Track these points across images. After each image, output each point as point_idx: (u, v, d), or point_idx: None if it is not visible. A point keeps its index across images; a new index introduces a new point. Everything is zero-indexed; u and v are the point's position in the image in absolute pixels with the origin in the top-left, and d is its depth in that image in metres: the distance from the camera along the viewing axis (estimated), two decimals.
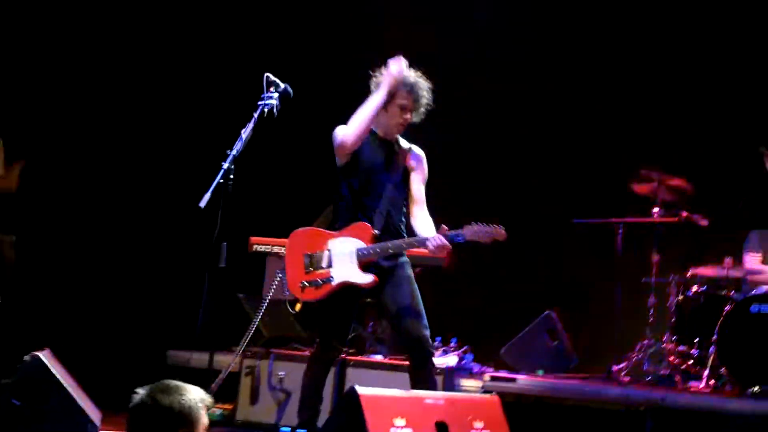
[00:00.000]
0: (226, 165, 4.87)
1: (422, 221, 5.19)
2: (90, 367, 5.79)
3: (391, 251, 5.08)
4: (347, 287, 5.10)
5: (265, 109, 5.05)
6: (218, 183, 4.83)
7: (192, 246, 6.49)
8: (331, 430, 4.64)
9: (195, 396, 2.93)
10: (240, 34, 8.40)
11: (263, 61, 5.57)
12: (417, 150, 5.39)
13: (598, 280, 7.63)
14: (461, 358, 7.12)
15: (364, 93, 5.31)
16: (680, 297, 7.25)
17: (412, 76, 5.21)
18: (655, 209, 7.30)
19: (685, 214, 7.16)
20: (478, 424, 4.76)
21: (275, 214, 8.01)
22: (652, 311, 7.26)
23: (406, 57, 5.27)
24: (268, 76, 5.12)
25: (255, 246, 6.75)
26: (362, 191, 5.21)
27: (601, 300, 7.56)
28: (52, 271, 7.20)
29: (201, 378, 5.82)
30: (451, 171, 6.32)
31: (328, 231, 5.23)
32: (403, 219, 5.28)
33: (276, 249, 6.78)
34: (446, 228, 4.97)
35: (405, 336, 5.11)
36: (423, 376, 5.10)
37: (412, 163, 5.32)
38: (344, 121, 5.31)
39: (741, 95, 8.02)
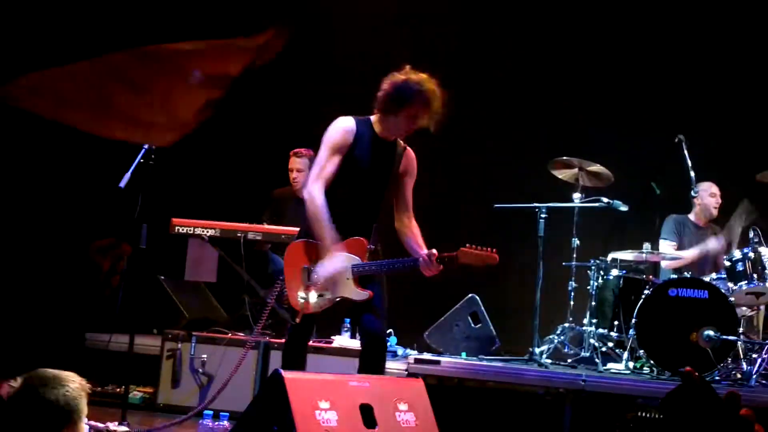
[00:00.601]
0: (146, 145, 4.80)
1: (412, 231, 5.06)
2: (6, 348, 5.66)
3: (384, 269, 4.98)
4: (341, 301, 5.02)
5: None
6: (139, 163, 4.76)
7: (112, 227, 6.37)
8: (255, 413, 4.60)
9: (77, 385, 2.70)
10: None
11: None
12: (411, 151, 5.15)
13: (520, 263, 7.70)
14: None
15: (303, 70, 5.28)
16: (600, 281, 7.37)
17: (432, 84, 4.94)
18: (576, 194, 7.39)
19: (605, 199, 7.25)
20: (403, 406, 4.77)
21: (195, 195, 7.94)
22: (572, 295, 7.36)
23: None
24: None
25: (177, 227, 6.65)
26: (357, 196, 4.99)
27: (522, 283, 7.63)
28: None
29: (121, 361, 5.77)
30: None
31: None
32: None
33: (198, 231, 6.68)
34: (436, 253, 4.88)
35: (366, 331, 5.02)
36: (377, 369, 5.04)
37: (405, 164, 5.11)
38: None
39: (663, 82, 8.16)
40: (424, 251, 4.92)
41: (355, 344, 6.69)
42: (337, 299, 5.00)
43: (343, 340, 6.90)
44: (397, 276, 7.80)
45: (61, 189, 7.56)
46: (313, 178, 4.89)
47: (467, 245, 4.89)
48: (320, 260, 4.90)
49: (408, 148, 5.14)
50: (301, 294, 4.97)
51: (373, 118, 5.02)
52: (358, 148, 4.96)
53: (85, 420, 2.62)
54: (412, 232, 5.05)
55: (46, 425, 2.52)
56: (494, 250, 4.93)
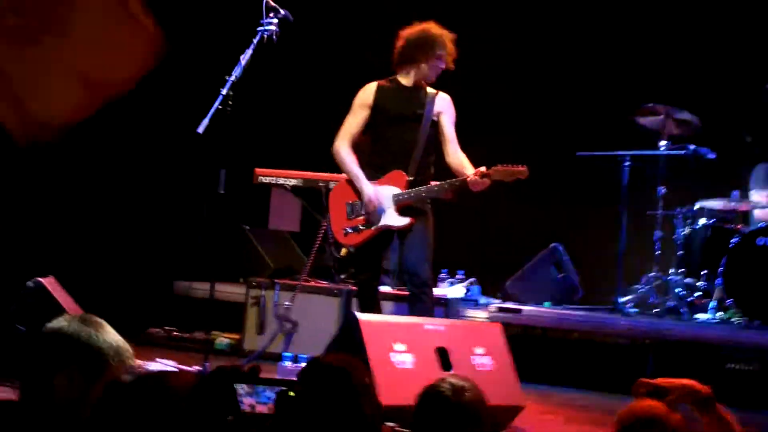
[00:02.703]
0: (224, 91, 4.86)
1: (458, 159, 5.50)
2: (97, 295, 5.82)
3: (424, 195, 5.43)
4: (383, 231, 5.43)
5: (265, 35, 5.03)
6: (217, 109, 4.83)
7: (191, 173, 6.48)
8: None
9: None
10: None
11: None
12: (443, 95, 5.65)
13: (604, 212, 7.60)
14: (467, 290, 7.15)
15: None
16: (687, 230, 7.22)
17: (443, 30, 5.55)
18: (662, 142, 7.25)
19: (692, 147, 7.10)
20: (479, 350, 4.80)
21: (280, 145, 8.00)
22: (658, 244, 7.24)
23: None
24: (267, 2, 5.09)
25: (260, 177, 6.75)
26: (393, 140, 5.53)
27: (606, 232, 7.53)
28: (56, 200, 7.19)
29: (203, 309, 5.90)
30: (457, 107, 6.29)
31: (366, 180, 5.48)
32: (432, 162, 5.59)
33: (281, 180, 6.77)
34: (482, 170, 5.31)
35: (405, 270, 5.44)
36: (419, 308, 5.19)
37: (440, 106, 5.59)
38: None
39: (749, 29, 7.91)
40: (471, 170, 5.34)
41: (441, 292, 6.73)
42: (380, 228, 5.38)
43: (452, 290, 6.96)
44: (480, 225, 7.87)
45: (142, 136, 7.69)
46: (337, 137, 5.60)
47: (498, 164, 5.34)
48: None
49: (440, 92, 5.64)
50: (346, 228, 5.42)
51: (398, 75, 5.62)
52: (382, 99, 5.58)
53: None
54: (458, 160, 5.49)
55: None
56: (524, 165, 5.37)
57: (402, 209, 5.37)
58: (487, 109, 8.04)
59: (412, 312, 5.28)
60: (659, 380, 2.62)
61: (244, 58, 4.97)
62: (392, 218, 5.36)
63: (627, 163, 7.15)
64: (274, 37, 5.05)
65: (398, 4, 8.05)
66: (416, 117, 5.52)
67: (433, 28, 5.54)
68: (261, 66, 5.17)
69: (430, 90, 5.63)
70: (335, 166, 7.01)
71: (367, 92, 5.62)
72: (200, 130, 4.75)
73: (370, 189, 5.42)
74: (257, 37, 5.03)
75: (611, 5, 8.10)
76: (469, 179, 5.31)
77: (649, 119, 7.34)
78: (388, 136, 5.53)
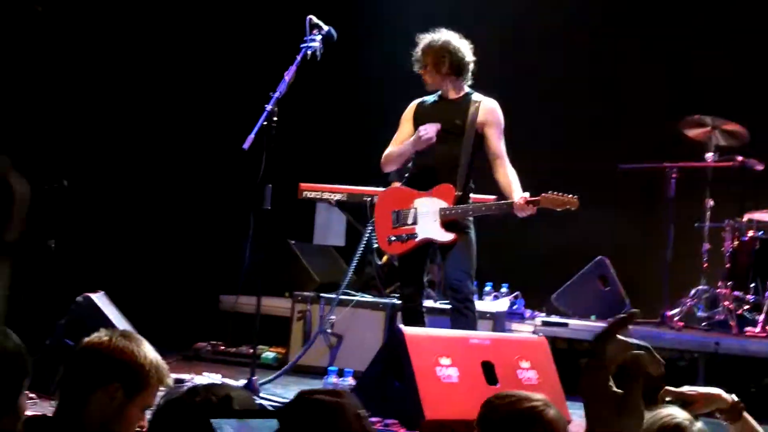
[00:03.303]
0: (269, 107, 4.91)
1: (507, 178, 5.36)
2: (145, 310, 5.88)
3: (471, 213, 5.34)
4: (427, 243, 5.39)
5: (308, 52, 5.08)
6: (262, 125, 4.88)
7: (237, 189, 6.54)
8: (378, 370, 4.68)
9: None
10: None
11: (306, 4, 5.57)
12: (488, 102, 5.49)
13: (650, 225, 7.55)
14: (512, 303, 7.13)
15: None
16: (735, 242, 7.13)
17: (454, 38, 5.49)
18: (709, 154, 7.18)
19: (740, 158, 7.02)
20: (525, 364, 4.78)
21: (325, 160, 8.05)
22: (706, 257, 7.16)
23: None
24: (310, 19, 5.13)
25: (305, 192, 6.79)
26: (435, 154, 5.42)
27: (652, 245, 7.47)
28: (105, 215, 7.29)
29: (249, 323, 5.94)
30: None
31: (415, 190, 5.43)
32: (472, 177, 5.48)
33: (326, 195, 6.81)
34: (526, 196, 5.23)
35: (447, 284, 5.39)
36: (462, 323, 5.16)
37: (483, 116, 5.43)
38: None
39: None
40: (519, 195, 5.23)
41: (486, 307, 6.71)
42: (423, 241, 5.34)
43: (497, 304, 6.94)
44: (524, 238, 7.84)
45: (190, 153, 7.78)
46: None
47: (549, 191, 5.23)
48: (409, 205, 5.38)
49: (484, 101, 5.48)
50: (390, 236, 5.39)
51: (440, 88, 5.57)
52: (421, 113, 5.53)
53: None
54: (507, 179, 5.35)
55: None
56: (576, 196, 5.25)
57: (447, 224, 5.34)
58: (532, 121, 8.02)
59: (454, 326, 5.22)
60: (685, 389, 2.62)
61: (288, 75, 5.02)
62: (436, 232, 5.32)
63: (674, 175, 7.10)
64: (318, 53, 5.09)
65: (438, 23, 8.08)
66: (457, 129, 5.41)
67: (449, 37, 5.48)
68: (305, 82, 5.22)
69: (474, 98, 5.49)
70: (380, 181, 7.07)
71: (409, 109, 5.62)
72: (246, 146, 4.80)
73: (411, 138, 5.43)
74: (301, 54, 5.08)
75: (658, 15, 8.05)
76: (515, 204, 5.23)
77: (695, 130, 7.28)
78: (430, 151, 5.44)
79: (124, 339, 2.47)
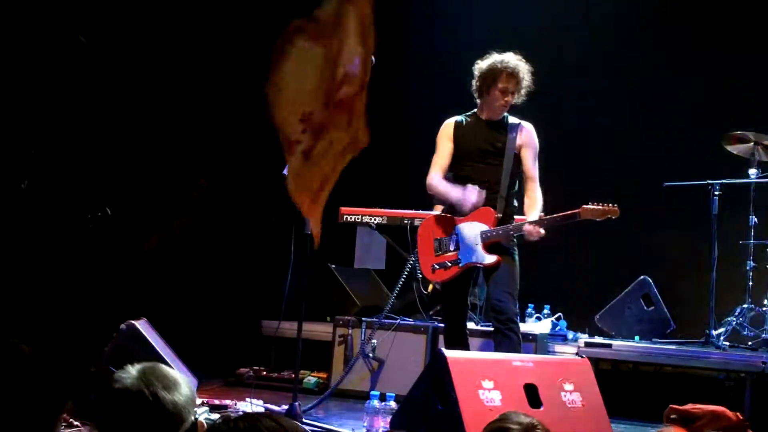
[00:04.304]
0: None
1: (530, 200, 5.45)
2: (187, 336, 5.91)
3: (512, 232, 5.36)
4: (472, 272, 5.45)
5: None
6: None
7: (278, 214, 6.56)
8: (420, 393, 4.66)
9: (187, 393, 2.44)
10: None
11: None
12: (526, 125, 5.56)
13: (693, 243, 7.47)
14: (554, 325, 7.08)
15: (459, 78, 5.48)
16: None
17: (514, 59, 5.44)
18: (752, 170, 7.11)
19: None
20: (568, 386, 4.73)
21: (365, 183, 8.05)
22: (750, 275, 7.08)
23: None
24: None
25: (345, 216, 6.81)
26: (475, 176, 5.46)
27: (696, 264, 7.40)
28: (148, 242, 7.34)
29: (291, 348, 5.94)
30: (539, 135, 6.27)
31: (456, 216, 5.46)
32: (512, 199, 5.53)
33: (366, 219, 6.82)
34: (539, 217, 5.30)
35: (491, 306, 5.37)
36: (506, 345, 5.14)
37: (521, 139, 5.51)
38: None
39: None
40: (535, 216, 5.33)
41: (528, 328, 6.68)
42: (467, 266, 5.36)
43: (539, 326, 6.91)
44: (567, 258, 7.79)
45: (232, 177, 7.82)
46: (430, 171, 5.56)
47: (589, 202, 5.31)
48: (450, 232, 5.42)
49: (523, 123, 5.55)
50: (434, 264, 5.42)
51: (478, 108, 5.60)
52: (460, 134, 5.53)
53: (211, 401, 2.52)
54: (530, 200, 5.43)
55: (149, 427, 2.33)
56: (616, 205, 5.32)
57: (489, 246, 5.33)
58: (574, 139, 8.00)
59: (498, 348, 5.20)
60: (689, 406, 2.59)
61: None
62: (479, 255, 5.33)
63: (717, 192, 7.03)
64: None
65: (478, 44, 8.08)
66: (497, 151, 5.46)
67: (504, 58, 5.46)
68: None
69: (512, 121, 5.56)
70: (419, 203, 7.07)
71: (447, 127, 5.62)
72: (286, 172, 4.81)
73: (458, 191, 5.40)
74: None
75: (700, 27, 7.99)
76: (524, 229, 5.30)
77: (738, 146, 7.21)
78: (470, 173, 5.47)
79: (150, 379, 2.39)
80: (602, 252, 7.86)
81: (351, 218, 6.85)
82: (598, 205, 5.28)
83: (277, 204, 6.72)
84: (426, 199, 7.33)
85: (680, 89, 7.98)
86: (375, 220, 6.85)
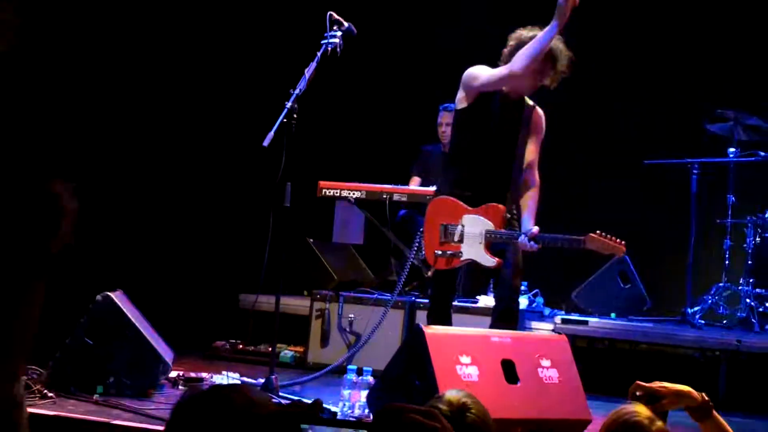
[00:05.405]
0: (289, 104, 4.90)
1: (529, 196, 5.12)
2: (164, 308, 5.88)
3: (515, 240, 5.06)
4: (470, 264, 5.22)
5: (329, 48, 5.05)
6: (282, 122, 4.86)
7: (257, 186, 6.53)
8: (397, 368, 4.65)
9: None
10: None
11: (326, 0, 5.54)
12: (539, 110, 5.23)
13: (671, 221, 7.49)
14: (531, 301, 7.09)
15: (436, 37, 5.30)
16: (757, 239, 7.09)
17: (558, 43, 4.99)
18: (731, 149, 7.13)
19: (762, 154, 6.96)
20: (546, 362, 4.73)
21: (343, 157, 8.03)
22: (727, 253, 7.11)
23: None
24: (331, 15, 5.11)
25: (324, 190, 6.77)
26: (490, 159, 5.09)
27: (674, 242, 7.42)
28: (124, 214, 7.29)
29: (268, 322, 5.93)
30: None
31: (465, 205, 5.14)
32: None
33: (345, 193, 6.78)
34: (535, 232, 4.94)
35: (500, 281, 5.15)
36: (512, 318, 5.07)
37: (534, 123, 5.19)
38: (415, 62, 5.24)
39: None
40: (529, 228, 4.97)
41: None
42: (467, 261, 5.14)
43: (489, 300, 6.88)
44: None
45: (209, 150, 7.78)
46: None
47: (597, 232, 4.96)
48: (457, 221, 5.09)
49: (536, 107, 5.20)
50: (437, 251, 5.14)
51: None
52: (486, 102, 5.05)
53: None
54: (530, 199, 5.10)
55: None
56: (623, 242, 4.96)
57: (491, 246, 5.10)
58: (554, 116, 7.97)
59: (502, 322, 5.10)
60: (655, 384, 2.59)
61: (308, 72, 5.00)
62: (480, 255, 5.11)
63: (696, 171, 7.05)
64: (338, 49, 5.06)
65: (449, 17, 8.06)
66: (514, 133, 5.10)
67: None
68: (325, 79, 5.20)
69: (528, 102, 5.17)
70: (399, 178, 7.05)
71: (483, 67, 5.03)
72: (265, 143, 4.78)
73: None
74: (321, 50, 5.06)
75: (682, 10, 7.99)
76: (518, 244, 4.97)
77: (718, 125, 7.23)
78: (485, 153, 5.09)
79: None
80: (581, 228, 7.85)
81: (330, 192, 6.80)
82: (605, 237, 4.96)
83: (256, 176, 6.73)
84: (405, 172, 7.34)
85: (660, 67, 7.99)
86: (354, 194, 6.80)
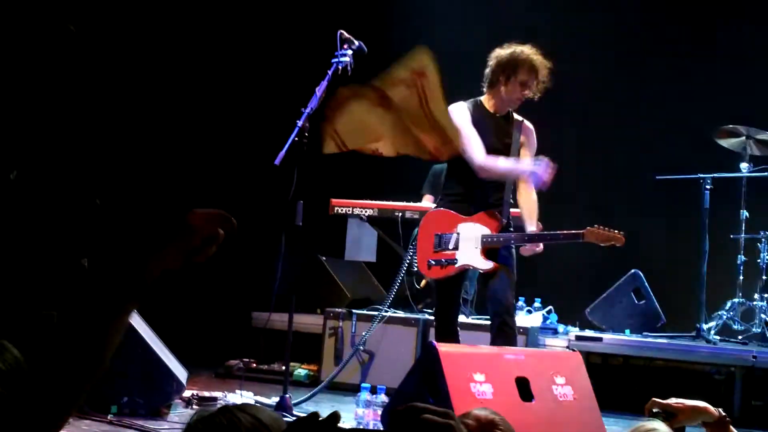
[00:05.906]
0: (300, 123, 4.91)
1: (529, 204, 5.17)
2: (177, 327, 5.88)
3: (512, 243, 5.15)
4: (466, 270, 5.24)
5: (339, 67, 5.07)
6: (293, 141, 4.88)
7: (269, 204, 6.54)
8: (410, 387, 4.63)
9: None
10: None
11: (337, 19, 5.56)
12: (528, 123, 5.30)
13: (684, 237, 7.46)
14: (545, 318, 7.07)
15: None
16: None
17: (537, 53, 5.12)
18: (744, 164, 7.10)
19: None
20: (560, 380, 4.70)
21: (355, 175, 8.03)
22: (741, 269, 7.08)
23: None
24: (341, 34, 5.13)
25: (336, 208, 6.78)
26: (482, 179, 5.13)
27: (687, 258, 7.39)
28: (137, 234, 7.31)
29: (281, 340, 5.92)
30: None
31: (459, 214, 5.21)
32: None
33: (357, 211, 6.79)
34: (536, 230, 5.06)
35: (489, 298, 5.20)
36: (503, 337, 5.07)
37: (525, 136, 5.26)
38: None
39: None
40: (532, 228, 5.08)
41: (519, 322, 6.64)
42: (462, 268, 5.17)
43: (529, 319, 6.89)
44: (556, 252, 7.77)
45: (221, 168, 7.79)
46: (474, 154, 5.07)
47: (595, 225, 5.06)
48: (452, 229, 5.14)
49: (525, 120, 5.29)
50: (431, 260, 5.18)
51: (482, 97, 5.24)
52: (478, 123, 5.15)
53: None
54: (529, 205, 5.17)
55: None
56: (622, 232, 5.05)
57: (488, 251, 5.14)
58: (566, 132, 7.98)
59: (495, 341, 5.13)
60: (671, 401, 2.59)
61: (319, 90, 5.01)
62: (476, 260, 5.16)
63: (708, 186, 7.02)
64: (349, 68, 5.08)
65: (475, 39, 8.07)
66: (505, 148, 5.17)
67: (525, 50, 5.09)
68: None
69: (515, 117, 5.27)
70: (410, 196, 7.05)
71: (462, 111, 5.16)
72: (277, 162, 4.79)
73: (517, 164, 5.09)
74: (332, 69, 5.07)
75: (695, 28, 7.99)
76: (521, 250, 5.11)
77: (730, 140, 7.21)
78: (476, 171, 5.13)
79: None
80: (593, 245, 7.83)
81: (342, 210, 6.82)
82: (603, 229, 5.05)
83: (268, 194, 6.74)
84: (417, 190, 7.33)
85: (673, 83, 7.98)
86: (366, 212, 6.82)
